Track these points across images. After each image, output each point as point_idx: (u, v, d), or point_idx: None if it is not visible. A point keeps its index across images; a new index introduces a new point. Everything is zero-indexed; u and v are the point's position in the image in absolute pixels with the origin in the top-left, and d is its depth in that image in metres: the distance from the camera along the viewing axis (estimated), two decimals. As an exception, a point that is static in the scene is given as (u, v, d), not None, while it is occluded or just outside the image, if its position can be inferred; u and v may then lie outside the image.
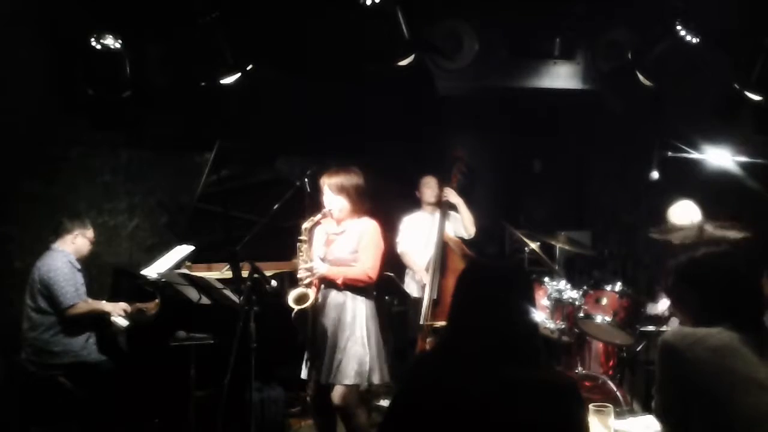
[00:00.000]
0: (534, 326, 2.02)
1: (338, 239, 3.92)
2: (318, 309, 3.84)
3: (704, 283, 2.12)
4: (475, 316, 1.97)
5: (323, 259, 3.91)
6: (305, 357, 3.93)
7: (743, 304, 2.07)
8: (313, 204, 4.92)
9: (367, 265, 3.82)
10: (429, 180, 5.39)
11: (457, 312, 2.03)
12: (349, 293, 3.83)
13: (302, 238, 3.82)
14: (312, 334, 3.86)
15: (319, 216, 3.86)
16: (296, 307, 3.76)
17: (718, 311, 2.05)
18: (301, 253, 3.83)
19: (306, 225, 3.83)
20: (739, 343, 1.98)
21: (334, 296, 3.84)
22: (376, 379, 3.83)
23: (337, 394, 3.78)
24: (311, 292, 3.79)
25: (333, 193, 3.85)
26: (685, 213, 4.48)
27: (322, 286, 3.87)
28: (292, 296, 3.79)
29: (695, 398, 1.96)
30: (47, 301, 4.50)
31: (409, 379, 2.08)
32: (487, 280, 2.04)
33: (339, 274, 3.81)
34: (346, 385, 3.75)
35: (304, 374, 3.93)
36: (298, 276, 3.84)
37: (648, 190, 5.48)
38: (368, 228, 3.89)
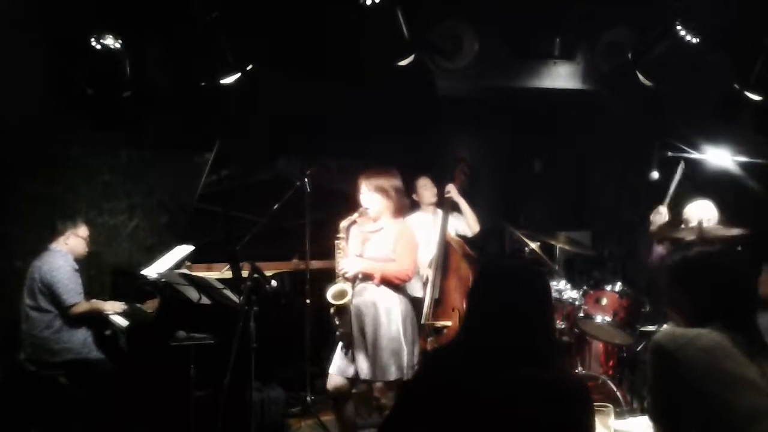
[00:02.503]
0: (552, 328, 2.02)
1: (374, 237, 3.98)
2: (353, 305, 3.88)
3: (696, 282, 2.11)
4: (494, 317, 1.96)
5: (360, 257, 3.96)
6: (337, 351, 3.94)
7: (735, 303, 2.07)
8: (313, 204, 4.94)
9: (406, 265, 3.89)
10: (425, 181, 5.35)
11: (474, 312, 2.03)
12: (383, 290, 3.87)
13: (340, 236, 3.90)
14: (347, 330, 3.88)
15: (355, 215, 3.92)
16: (336, 303, 3.82)
17: (710, 311, 2.05)
18: (339, 251, 3.91)
19: (343, 224, 3.91)
20: (730, 343, 1.97)
21: (369, 293, 3.88)
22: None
23: (378, 389, 3.88)
24: (349, 288, 3.85)
25: (371, 192, 3.91)
26: (702, 212, 4.40)
27: (359, 282, 3.92)
28: (331, 292, 3.85)
29: (687, 399, 1.96)
30: (49, 300, 4.51)
31: (422, 375, 2.08)
32: (506, 282, 2.03)
33: (378, 269, 3.85)
34: (389, 381, 3.80)
35: (332, 369, 3.93)
36: (339, 272, 3.90)
37: (648, 190, 5.48)
38: (405, 229, 3.99)
